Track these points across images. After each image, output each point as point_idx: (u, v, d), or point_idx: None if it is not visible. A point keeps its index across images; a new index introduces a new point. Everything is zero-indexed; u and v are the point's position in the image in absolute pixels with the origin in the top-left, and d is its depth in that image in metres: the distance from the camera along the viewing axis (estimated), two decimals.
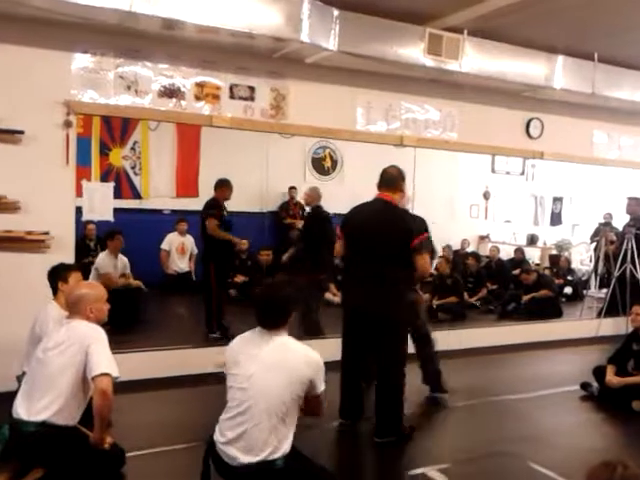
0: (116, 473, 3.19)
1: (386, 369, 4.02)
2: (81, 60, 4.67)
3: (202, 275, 6.34)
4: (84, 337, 2.99)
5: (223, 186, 6.16)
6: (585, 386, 5.15)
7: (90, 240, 7.63)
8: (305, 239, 6.65)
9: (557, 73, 5.90)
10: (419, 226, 4.01)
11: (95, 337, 3.00)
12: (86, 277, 5.54)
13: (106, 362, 2.94)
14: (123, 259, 6.89)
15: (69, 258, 4.54)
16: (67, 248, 4.71)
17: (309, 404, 2.73)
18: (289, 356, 2.66)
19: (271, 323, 2.72)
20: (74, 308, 3.12)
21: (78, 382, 2.96)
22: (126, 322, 6.36)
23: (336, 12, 4.73)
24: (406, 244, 3.80)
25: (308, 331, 5.88)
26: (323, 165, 10.10)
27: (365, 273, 3.91)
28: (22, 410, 2.95)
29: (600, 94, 6.17)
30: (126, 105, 4.85)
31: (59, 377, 2.93)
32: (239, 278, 8.23)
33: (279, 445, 2.58)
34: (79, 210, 5.05)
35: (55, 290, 3.76)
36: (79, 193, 5.02)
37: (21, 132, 4.48)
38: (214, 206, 6.09)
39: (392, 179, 3.98)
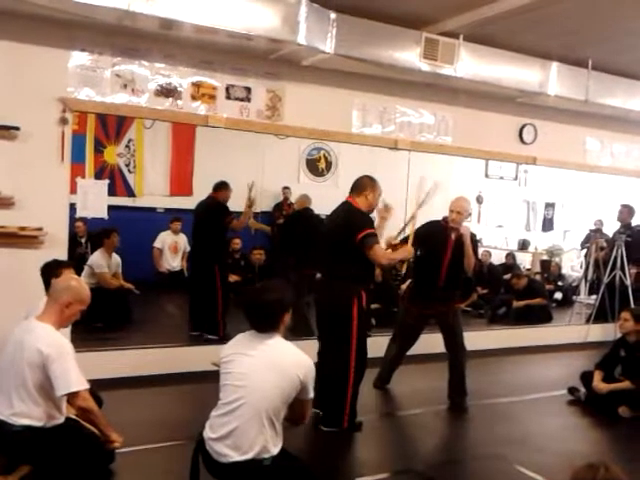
0: (105, 469, 3.21)
1: (330, 360, 4.11)
2: (78, 58, 4.69)
3: (203, 278, 6.16)
4: (47, 351, 2.88)
5: (224, 188, 6.18)
6: (572, 391, 5.20)
7: (81, 237, 7.63)
8: (287, 236, 6.72)
9: (551, 80, 5.94)
10: (365, 223, 4.12)
11: (58, 352, 2.90)
12: (78, 273, 5.54)
13: (74, 378, 2.90)
14: (116, 258, 6.90)
15: (62, 254, 4.55)
16: (60, 244, 4.73)
17: (295, 410, 2.73)
18: (283, 358, 2.68)
19: (262, 327, 2.73)
20: (56, 295, 3.03)
21: (46, 387, 2.93)
22: (117, 321, 6.40)
23: (333, 15, 4.75)
24: (350, 239, 4.02)
25: (296, 330, 5.89)
26: (317, 166, 10.11)
27: (322, 269, 4.33)
28: (2, 409, 2.95)
29: (593, 101, 6.22)
30: (122, 103, 4.86)
31: (29, 382, 2.90)
32: (232, 278, 8.23)
33: (267, 446, 2.60)
34: (72, 207, 5.06)
35: (48, 286, 3.76)
36: (73, 190, 5.03)
37: (17, 128, 4.49)
38: (224, 208, 6.13)
39: (360, 185, 4.23)
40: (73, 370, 2.92)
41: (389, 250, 4.41)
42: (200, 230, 6.23)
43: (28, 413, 2.91)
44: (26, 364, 2.89)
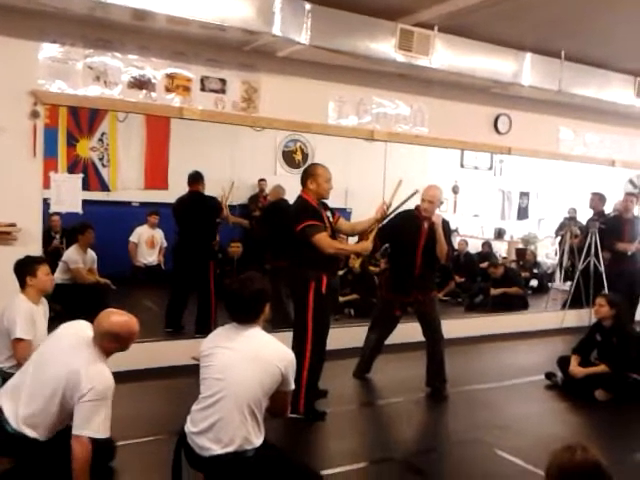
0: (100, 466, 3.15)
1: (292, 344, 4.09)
2: (49, 50, 4.59)
3: (196, 275, 6.00)
4: (85, 383, 2.73)
5: (201, 180, 6.05)
6: (550, 376, 5.29)
7: (55, 232, 7.51)
8: (263, 228, 6.75)
9: (525, 70, 6.00)
10: (303, 215, 4.20)
11: (100, 395, 2.74)
12: (52, 269, 5.45)
13: (96, 426, 2.72)
14: (91, 253, 6.81)
15: (36, 250, 4.50)
16: (34, 240, 4.65)
17: (276, 402, 2.73)
18: (263, 350, 2.67)
19: (243, 318, 2.73)
20: (97, 335, 2.94)
21: (62, 406, 2.81)
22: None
23: (308, 6, 4.73)
24: (293, 230, 4.17)
25: (274, 322, 5.89)
26: (294, 158, 10.07)
27: (289, 258, 4.48)
28: (8, 410, 2.86)
29: (566, 91, 6.29)
30: (95, 96, 4.79)
31: (48, 394, 2.80)
32: None
33: (249, 438, 2.60)
34: (45, 202, 4.97)
35: (22, 283, 3.71)
36: (46, 184, 4.95)
37: None
38: (218, 202, 6.10)
39: (302, 178, 4.36)
40: (105, 416, 2.76)
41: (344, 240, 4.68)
42: (191, 226, 5.99)
43: (34, 425, 2.81)
44: (63, 381, 2.76)
